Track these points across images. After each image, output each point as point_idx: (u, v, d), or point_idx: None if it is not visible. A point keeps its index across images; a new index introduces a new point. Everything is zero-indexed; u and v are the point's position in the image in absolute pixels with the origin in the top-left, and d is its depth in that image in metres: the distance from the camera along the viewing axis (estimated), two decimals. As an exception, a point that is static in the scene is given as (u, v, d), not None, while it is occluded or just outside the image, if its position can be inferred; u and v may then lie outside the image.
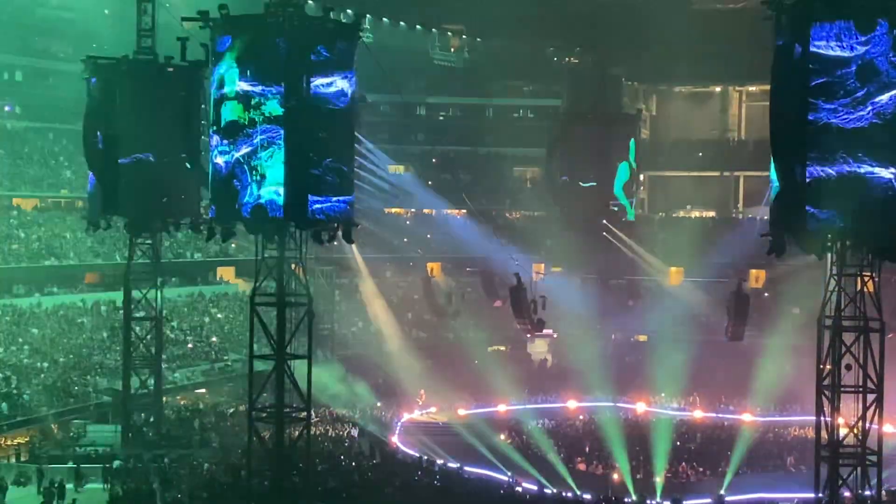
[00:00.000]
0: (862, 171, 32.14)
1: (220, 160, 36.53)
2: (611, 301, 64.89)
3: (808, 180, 32.81)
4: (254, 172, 35.65)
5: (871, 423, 33.65)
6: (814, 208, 32.78)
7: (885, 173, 31.89)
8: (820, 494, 34.26)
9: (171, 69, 45.23)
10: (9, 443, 46.77)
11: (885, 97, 31.98)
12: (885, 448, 33.95)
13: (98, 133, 45.69)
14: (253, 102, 35.64)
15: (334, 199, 36.64)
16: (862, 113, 32.11)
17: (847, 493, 33.96)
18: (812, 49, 32.21)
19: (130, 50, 46.16)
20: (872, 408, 33.58)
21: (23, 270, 59.78)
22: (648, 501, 40.36)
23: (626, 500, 40.46)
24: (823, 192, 32.59)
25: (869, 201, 32.11)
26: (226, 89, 36.13)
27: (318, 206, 36.07)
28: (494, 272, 58.94)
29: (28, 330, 55.49)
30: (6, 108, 70.26)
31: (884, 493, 34.58)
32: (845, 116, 32.33)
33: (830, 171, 32.29)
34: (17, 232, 62.63)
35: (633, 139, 66.90)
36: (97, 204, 46.75)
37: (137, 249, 48.09)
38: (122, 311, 49.36)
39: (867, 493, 33.81)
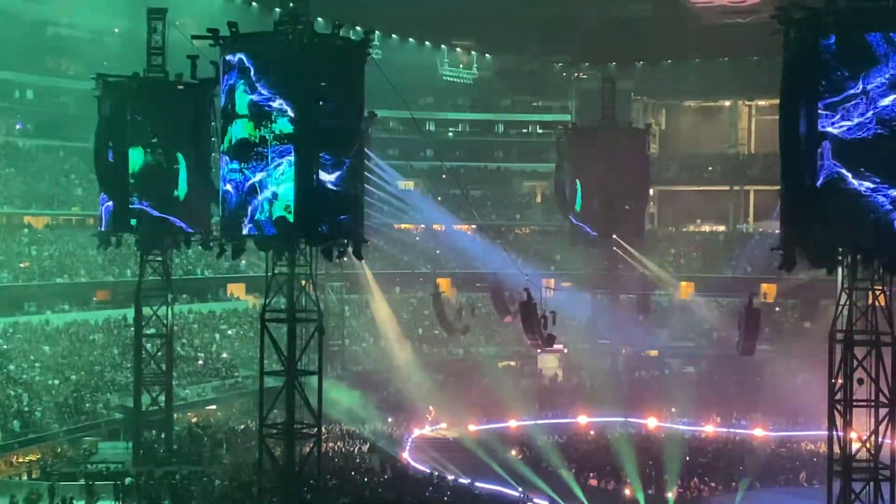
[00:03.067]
0: (864, 188, 31.95)
1: (230, 177, 36.68)
2: (621, 316, 64.67)
3: (817, 194, 32.79)
4: (265, 190, 35.76)
5: (884, 437, 33.58)
6: (824, 222, 32.76)
7: (892, 192, 31.63)
8: (834, 510, 34.20)
9: (181, 87, 45.36)
10: (21, 460, 46.77)
11: (888, 100, 31.73)
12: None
13: (109, 150, 45.92)
14: (263, 120, 35.77)
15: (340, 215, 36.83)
16: (861, 120, 31.78)
17: (861, 510, 33.89)
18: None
19: (141, 68, 46.31)
20: (885, 422, 33.51)
21: (34, 288, 59.84)
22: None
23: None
24: (833, 206, 32.53)
25: (877, 218, 32.03)
26: (236, 107, 36.28)
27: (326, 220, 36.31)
28: (504, 287, 58.85)
29: (39, 347, 55.51)
30: (17, 126, 70.50)
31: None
32: (842, 124, 32.04)
33: (839, 184, 32.26)
34: (29, 249, 62.75)
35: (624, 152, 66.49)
36: (108, 221, 46.97)
37: (148, 266, 48.15)
38: (132, 328, 49.39)
39: (882, 509, 33.75)
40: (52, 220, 67.39)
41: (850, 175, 32.17)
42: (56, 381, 52.63)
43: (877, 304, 33.77)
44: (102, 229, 47.61)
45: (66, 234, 66.06)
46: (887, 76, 31.34)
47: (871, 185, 31.79)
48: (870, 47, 31.70)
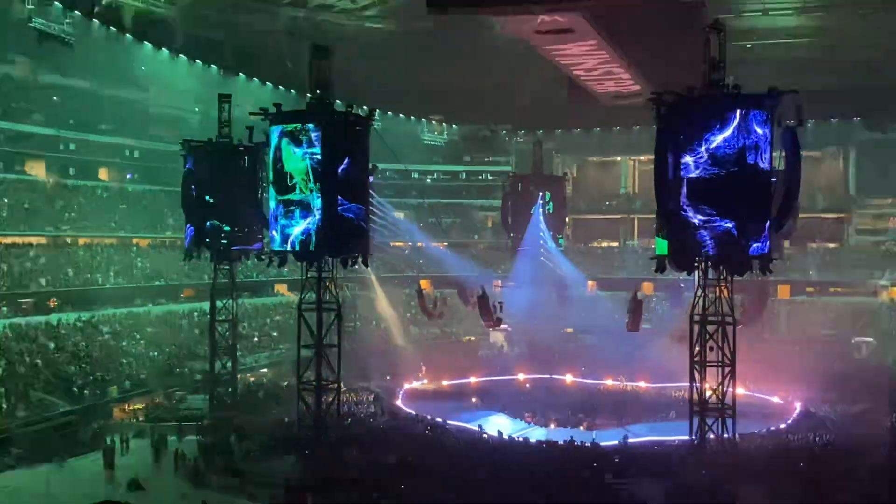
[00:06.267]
0: (703, 219, 32.30)
1: (277, 211, 36.79)
2: (548, 304, 64.64)
3: (679, 219, 33.07)
4: (302, 219, 35.92)
5: (728, 387, 33.95)
6: (684, 240, 33.08)
7: (725, 224, 32.12)
8: (693, 437, 34.52)
9: (241, 148, 45.31)
10: (131, 408, 46.42)
11: (719, 139, 32.09)
12: (737, 405, 34.23)
13: (192, 193, 45.87)
14: (300, 171, 35.93)
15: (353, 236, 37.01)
16: (692, 159, 32.05)
17: (711, 436, 34.21)
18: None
19: (213, 135, 46.21)
20: (728, 377, 33.92)
21: (141, 288, 59.57)
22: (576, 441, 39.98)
23: (559, 442, 40.23)
24: (689, 228, 32.89)
25: (712, 240, 32.42)
26: (282, 163, 36.40)
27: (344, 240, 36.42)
28: (467, 286, 58.84)
29: (144, 329, 55.17)
30: (128, 176, 70.16)
31: (737, 436, 34.80)
32: (693, 171, 32.44)
33: (692, 214, 32.63)
34: (136, 261, 62.46)
35: (549, 193, 67.61)
36: (191, 241, 46.95)
37: (220, 273, 48.03)
38: (209, 316, 49.17)
39: (725, 436, 34.09)
40: (153, 241, 66.97)
41: (693, 209, 32.52)
42: (155, 353, 52.34)
43: (722, 296, 34.19)
44: (188, 246, 47.58)
45: (163, 251, 65.69)
46: (723, 134, 31.92)
47: (703, 218, 32.25)
48: (715, 117, 32.17)
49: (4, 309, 50.60)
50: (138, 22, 54.27)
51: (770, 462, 33.55)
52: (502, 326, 57.34)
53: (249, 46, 58.69)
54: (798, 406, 46.39)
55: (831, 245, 76.06)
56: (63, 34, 54.74)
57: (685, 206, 32.34)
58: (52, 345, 48.67)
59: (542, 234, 66.40)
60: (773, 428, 41.60)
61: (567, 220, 76.09)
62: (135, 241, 65.87)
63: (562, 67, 47.85)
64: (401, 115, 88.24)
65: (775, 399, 48.46)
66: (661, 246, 34.51)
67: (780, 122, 32.75)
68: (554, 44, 39.96)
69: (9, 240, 56.78)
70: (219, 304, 48.07)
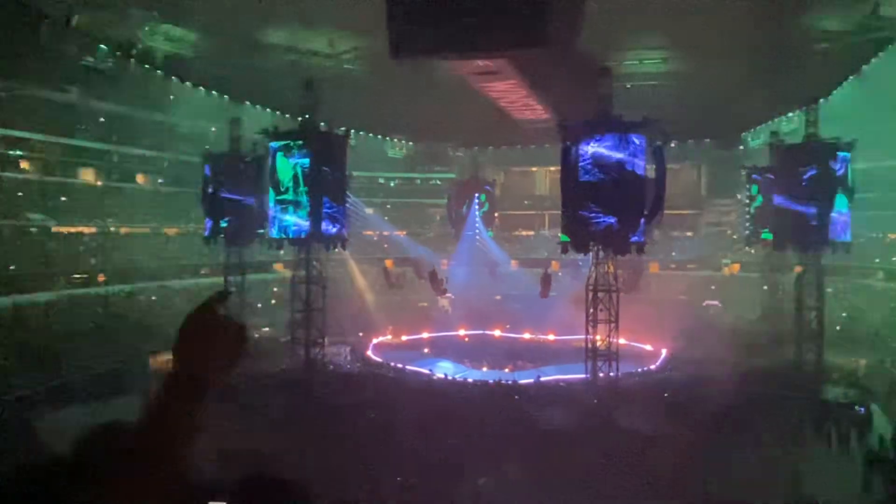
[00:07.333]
0: (592, 216, 32.77)
1: (276, 207, 36.23)
2: (481, 277, 64.96)
3: (577, 215, 33.44)
4: (295, 215, 35.41)
5: (612, 338, 34.53)
6: (581, 230, 33.45)
7: (608, 219, 32.69)
8: (588, 376, 35.09)
9: (248, 159, 44.51)
10: (163, 358, 45.12)
11: (597, 147, 32.49)
12: (620, 352, 34.80)
13: (210, 194, 44.98)
14: (294, 178, 35.43)
15: (334, 227, 36.59)
16: (584, 165, 32.52)
17: (602, 375, 34.81)
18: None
19: (227, 149, 45.25)
20: (613, 331, 34.48)
21: (170, 267, 58.26)
22: (504, 379, 40.46)
23: (490, 381, 40.68)
24: (585, 222, 33.26)
25: (601, 230, 32.86)
26: (278, 171, 35.84)
27: (327, 230, 36.02)
28: (421, 263, 58.78)
29: (173, 298, 53.77)
30: (159, 181, 68.14)
31: (620, 374, 35.48)
32: (585, 176, 32.88)
33: (585, 213, 33.00)
34: (166, 246, 61.05)
35: (483, 195, 67.88)
36: (210, 230, 46.03)
37: (232, 255, 47.21)
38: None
39: (612, 374, 34.72)
40: (179, 231, 65.38)
41: (586, 209, 32.88)
42: (181, 317, 50.85)
43: (609, 271, 34.73)
44: (206, 235, 46.73)
45: (186, 238, 64.13)
46: (602, 143, 32.39)
47: (594, 214, 32.70)
48: (596, 134, 32.60)
49: (63, 281, 49.12)
50: (167, 62, 52.68)
51: (642, 392, 34.39)
52: (447, 295, 57.55)
53: (253, 80, 57.40)
54: (664, 352, 47.49)
55: (688, 233, 77.83)
56: (107, 70, 53.08)
57: (580, 207, 32.84)
58: (100, 310, 47.44)
59: (477, 225, 66.68)
60: (645, 368, 42.60)
61: (496, 214, 76.44)
62: (165, 230, 64.28)
63: (492, 100, 48.12)
64: (371, 134, 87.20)
65: (648, 347, 49.52)
66: (564, 235, 35.02)
67: (651, 142, 33.40)
68: (485, 82, 40.18)
69: (66, 229, 55.11)
70: (232, 279, 47.27)
